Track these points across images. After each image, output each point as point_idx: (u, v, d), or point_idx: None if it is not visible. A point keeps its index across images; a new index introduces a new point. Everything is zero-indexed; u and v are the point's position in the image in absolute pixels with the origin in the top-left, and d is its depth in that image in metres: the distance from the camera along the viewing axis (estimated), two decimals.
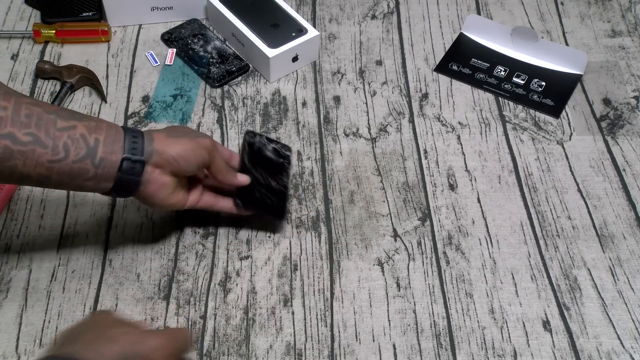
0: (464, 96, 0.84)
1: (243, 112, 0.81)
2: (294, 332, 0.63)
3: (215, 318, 0.63)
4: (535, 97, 0.83)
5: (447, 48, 0.89)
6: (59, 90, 0.81)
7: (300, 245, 0.69)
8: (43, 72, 0.83)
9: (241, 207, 0.66)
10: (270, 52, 0.81)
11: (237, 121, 0.80)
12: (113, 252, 0.68)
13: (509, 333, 0.63)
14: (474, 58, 0.88)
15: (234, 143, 0.77)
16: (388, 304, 0.65)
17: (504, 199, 0.73)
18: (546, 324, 0.64)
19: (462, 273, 0.67)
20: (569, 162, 0.77)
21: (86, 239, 0.69)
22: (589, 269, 0.68)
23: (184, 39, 0.88)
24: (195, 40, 0.88)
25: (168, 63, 0.86)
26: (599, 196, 0.74)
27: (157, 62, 0.86)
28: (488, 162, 0.77)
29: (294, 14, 0.86)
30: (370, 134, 0.79)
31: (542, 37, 0.90)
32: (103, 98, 0.81)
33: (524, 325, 0.63)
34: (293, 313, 0.64)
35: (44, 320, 0.63)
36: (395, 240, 0.69)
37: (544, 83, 0.85)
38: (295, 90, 0.83)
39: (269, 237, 0.69)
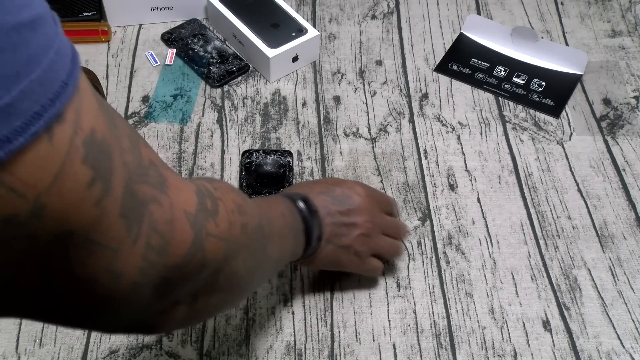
0: (464, 96, 0.84)
1: (243, 112, 0.81)
2: (294, 332, 0.63)
3: (215, 318, 0.63)
4: (535, 97, 0.83)
5: (447, 48, 0.89)
6: None
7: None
8: None
9: None
10: (270, 52, 0.81)
11: (237, 121, 0.80)
12: None
13: (509, 333, 0.63)
14: (474, 58, 0.88)
15: (234, 143, 0.77)
16: (388, 304, 0.65)
17: (504, 199, 0.73)
18: (546, 324, 0.64)
19: (462, 273, 0.67)
20: (569, 162, 0.77)
21: None
22: (589, 269, 0.68)
23: (184, 39, 0.88)
24: (195, 40, 0.88)
25: (168, 63, 0.86)
26: (599, 196, 0.74)
27: (157, 62, 0.86)
28: (488, 162, 0.77)
29: (294, 14, 0.86)
30: (370, 134, 0.79)
31: (542, 37, 0.90)
32: (103, 98, 0.81)
33: (524, 325, 0.63)
34: (293, 313, 0.64)
35: None
36: None
37: (544, 83, 0.85)
38: (295, 90, 0.83)
39: None
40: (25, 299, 0.29)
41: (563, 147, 0.78)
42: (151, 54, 0.87)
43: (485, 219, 0.71)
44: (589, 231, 0.71)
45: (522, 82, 0.85)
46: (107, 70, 0.85)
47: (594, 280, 0.67)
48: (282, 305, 0.64)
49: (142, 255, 0.32)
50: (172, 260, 0.34)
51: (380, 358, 0.61)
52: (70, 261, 0.28)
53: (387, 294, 0.65)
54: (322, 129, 0.79)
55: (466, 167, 0.76)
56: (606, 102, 0.83)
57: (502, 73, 0.86)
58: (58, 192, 0.26)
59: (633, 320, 0.64)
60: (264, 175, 0.73)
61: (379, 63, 0.87)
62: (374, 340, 0.62)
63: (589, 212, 0.72)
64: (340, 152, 0.77)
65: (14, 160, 0.24)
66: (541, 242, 0.70)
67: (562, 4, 0.96)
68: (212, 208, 0.38)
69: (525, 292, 0.66)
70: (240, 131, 0.79)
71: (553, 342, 0.62)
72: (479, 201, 0.73)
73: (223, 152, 0.77)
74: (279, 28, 0.84)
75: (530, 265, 0.68)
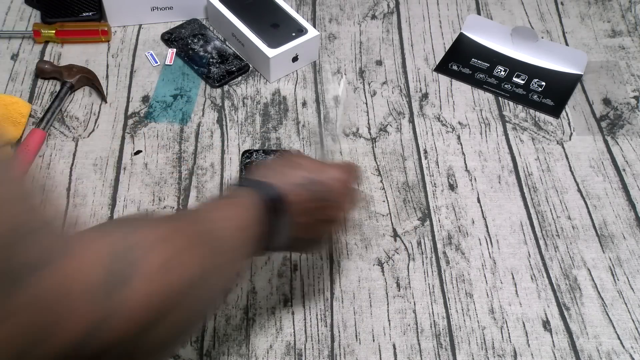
0: (464, 96, 0.84)
1: (243, 112, 0.81)
2: (294, 332, 0.63)
3: (215, 318, 0.63)
4: (535, 97, 0.83)
5: (447, 48, 0.89)
6: (59, 90, 0.81)
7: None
8: (43, 72, 0.83)
9: None
10: (270, 52, 0.81)
11: (237, 121, 0.80)
12: None
13: (509, 333, 0.63)
14: (474, 58, 0.88)
15: (234, 143, 0.77)
16: (388, 304, 0.65)
17: (504, 199, 0.73)
18: (546, 324, 0.64)
19: (462, 273, 0.67)
20: (569, 162, 0.77)
21: None
22: (589, 269, 0.68)
23: (184, 39, 0.88)
24: (195, 40, 0.88)
25: (168, 63, 0.86)
26: (598, 196, 0.74)
27: (157, 62, 0.86)
28: (488, 162, 0.77)
29: (294, 14, 0.86)
30: (370, 134, 0.79)
31: (542, 37, 0.90)
32: (103, 98, 0.81)
33: (524, 325, 0.63)
34: (293, 313, 0.64)
35: None
36: (395, 240, 0.69)
37: (544, 83, 0.85)
38: (295, 90, 0.83)
39: None
40: None
41: (563, 147, 0.78)
42: (151, 54, 0.87)
43: (485, 219, 0.71)
44: (589, 231, 0.71)
45: (522, 82, 0.85)
46: (107, 70, 0.85)
47: (594, 280, 0.67)
48: (282, 305, 0.64)
49: (13, 338, 0.24)
50: (60, 345, 0.26)
51: (380, 358, 0.61)
52: None
53: (387, 294, 0.65)
54: (322, 129, 0.79)
55: (466, 167, 0.76)
56: (606, 102, 0.83)
57: (502, 73, 0.86)
58: None
59: (633, 320, 0.64)
60: None
61: (379, 63, 0.87)
62: (374, 340, 0.62)
63: (589, 212, 0.72)
64: (341, 152, 0.77)
65: None
66: (541, 242, 0.70)
67: (562, 4, 0.96)
68: (125, 275, 0.32)
69: (525, 292, 0.66)
70: (240, 131, 0.79)
71: (553, 342, 0.62)
72: (479, 201, 0.73)
73: (223, 152, 0.77)
74: (279, 28, 0.84)
75: (530, 265, 0.68)
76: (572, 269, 0.68)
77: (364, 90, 0.84)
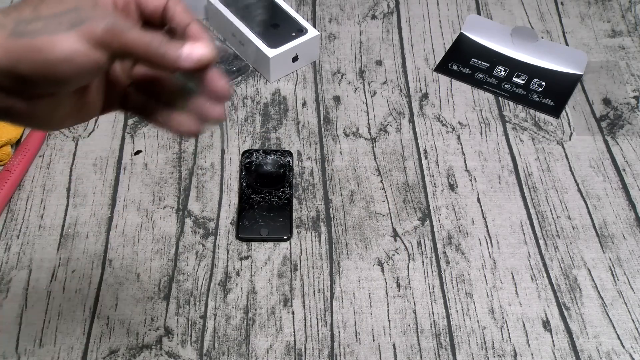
0: (464, 96, 0.84)
1: (243, 112, 0.81)
2: (294, 332, 0.63)
3: (215, 318, 0.63)
4: (535, 97, 0.83)
5: (447, 48, 0.89)
6: None
7: (300, 245, 0.69)
8: None
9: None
10: (270, 52, 0.81)
11: (237, 121, 0.80)
12: (113, 252, 0.68)
13: (509, 333, 0.63)
14: (474, 58, 0.88)
15: (234, 143, 0.77)
16: (388, 304, 0.65)
17: (504, 199, 0.73)
18: (546, 324, 0.64)
19: (462, 273, 0.67)
20: (569, 162, 0.77)
21: (86, 239, 0.69)
22: (589, 269, 0.68)
23: None
24: None
25: None
26: (598, 196, 0.74)
27: None
28: (488, 162, 0.77)
29: (294, 14, 0.86)
30: (370, 134, 0.79)
31: (542, 37, 0.90)
32: None
33: (524, 325, 0.63)
34: (293, 313, 0.64)
35: (44, 320, 0.63)
36: (395, 240, 0.69)
37: (544, 83, 0.85)
38: (295, 90, 0.83)
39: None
40: None
41: (563, 147, 0.78)
42: None
43: (485, 219, 0.71)
44: (589, 231, 0.71)
45: (522, 82, 0.85)
46: None
47: (594, 280, 0.67)
48: (282, 305, 0.64)
49: None
50: None
51: (380, 358, 0.61)
52: None
53: (387, 294, 0.65)
54: (322, 129, 0.79)
55: (466, 167, 0.76)
56: (606, 102, 0.83)
57: (502, 73, 0.86)
58: None
59: (633, 320, 0.64)
60: (264, 175, 0.73)
61: (379, 63, 0.87)
62: (374, 340, 0.62)
63: (589, 212, 0.72)
64: (340, 152, 0.77)
65: None
66: (541, 242, 0.70)
67: (562, 4, 0.96)
68: None
69: (525, 292, 0.66)
70: (240, 131, 0.79)
71: (553, 342, 0.62)
72: (478, 201, 0.73)
73: (223, 152, 0.77)
74: (279, 28, 0.84)
75: (530, 265, 0.68)
76: (572, 269, 0.68)
77: (364, 90, 0.84)
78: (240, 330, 0.63)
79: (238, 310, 0.64)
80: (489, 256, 0.68)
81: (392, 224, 0.71)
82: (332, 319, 0.64)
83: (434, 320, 0.64)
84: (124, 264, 0.67)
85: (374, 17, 0.93)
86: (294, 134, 0.79)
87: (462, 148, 0.78)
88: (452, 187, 0.74)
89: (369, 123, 0.80)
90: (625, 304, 0.65)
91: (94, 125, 0.79)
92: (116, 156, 0.76)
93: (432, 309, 0.64)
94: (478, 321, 0.64)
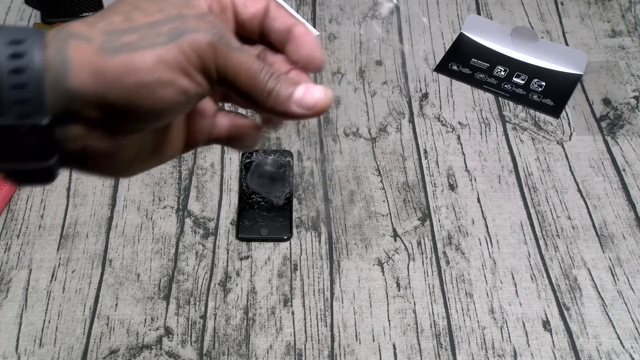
0: (464, 96, 0.84)
1: (243, 112, 0.81)
2: (294, 332, 0.63)
3: (215, 318, 0.63)
4: (535, 97, 0.83)
5: (447, 48, 0.89)
6: None
7: (300, 245, 0.69)
8: None
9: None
10: None
11: None
12: (113, 252, 0.68)
13: (509, 333, 0.63)
14: (474, 58, 0.88)
15: None
16: (388, 304, 0.65)
17: (504, 199, 0.73)
18: (546, 324, 0.64)
19: (462, 273, 0.67)
20: (569, 162, 0.77)
21: (86, 239, 0.69)
22: (589, 269, 0.68)
23: None
24: None
25: None
26: (598, 196, 0.74)
27: None
28: (488, 162, 0.77)
29: (294, 13, 0.86)
30: (370, 134, 0.79)
31: (542, 37, 0.90)
32: None
33: (524, 325, 0.63)
34: (293, 313, 0.64)
35: (44, 320, 0.63)
36: (395, 240, 0.69)
37: (544, 83, 0.85)
38: None
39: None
40: None
41: (563, 147, 0.78)
42: None
43: (485, 219, 0.71)
44: (589, 231, 0.71)
45: (522, 82, 0.85)
46: None
47: (593, 280, 0.67)
48: (282, 305, 0.64)
49: None
50: None
51: (380, 358, 0.61)
52: None
53: (387, 294, 0.65)
54: (322, 129, 0.79)
55: (466, 167, 0.76)
56: (606, 102, 0.83)
57: (502, 73, 0.86)
58: None
59: (633, 320, 0.64)
60: (264, 175, 0.73)
61: (379, 63, 0.87)
62: (374, 340, 0.62)
63: (588, 212, 0.72)
64: (340, 152, 0.77)
65: None
66: (541, 242, 0.70)
67: (562, 4, 0.96)
68: None
69: (525, 292, 0.66)
70: None
71: (553, 342, 0.62)
72: (478, 201, 0.73)
73: (223, 152, 0.77)
74: None
75: (530, 265, 0.68)
76: (572, 269, 0.68)
77: (364, 90, 0.84)
78: (240, 330, 0.63)
79: (238, 310, 0.64)
80: (489, 256, 0.68)
81: (392, 224, 0.71)
82: (332, 319, 0.64)
83: (434, 320, 0.64)
84: (124, 264, 0.67)
85: (374, 17, 0.93)
86: (294, 134, 0.79)
87: (462, 148, 0.78)
88: (452, 187, 0.74)
89: (369, 123, 0.80)
90: (625, 304, 0.65)
91: None
92: None
93: (432, 309, 0.64)
94: (478, 321, 0.64)
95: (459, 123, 0.80)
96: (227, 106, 0.41)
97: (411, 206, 0.72)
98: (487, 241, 0.70)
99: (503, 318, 0.64)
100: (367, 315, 0.64)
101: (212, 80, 0.29)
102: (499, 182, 0.75)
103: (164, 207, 0.71)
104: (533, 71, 0.86)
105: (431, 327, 0.63)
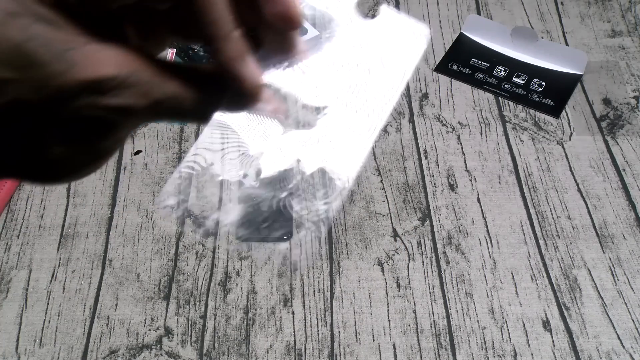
0: (464, 96, 0.84)
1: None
2: (294, 332, 0.63)
3: (215, 318, 0.63)
4: (535, 97, 0.83)
5: (447, 48, 0.89)
6: None
7: (300, 245, 0.69)
8: None
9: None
10: None
11: None
12: (113, 252, 0.68)
13: (509, 333, 0.63)
14: (474, 58, 0.88)
15: None
16: (388, 304, 0.65)
17: (504, 199, 0.73)
18: (546, 324, 0.64)
19: (462, 273, 0.67)
20: (569, 162, 0.77)
21: (86, 239, 0.69)
22: (589, 269, 0.68)
23: None
24: None
25: None
26: (598, 196, 0.74)
27: None
28: (488, 162, 0.77)
29: None
30: None
31: (542, 37, 0.90)
32: None
33: (524, 325, 0.63)
34: (293, 313, 0.64)
35: (44, 320, 0.63)
36: (395, 240, 0.69)
37: (544, 83, 0.85)
38: None
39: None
40: None
41: (563, 147, 0.78)
42: None
43: (485, 219, 0.71)
44: (589, 231, 0.71)
45: (522, 82, 0.85)
46: None
47: (593, 280, 0.67)
48: (282, 305, 0.64)
49: None
50: None
51: (380, 358, 0.61)
52: None
53: (387, 294, 0.65)
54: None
55: (466, 167, 0.76)
56: (606, 102, 0.83)
57: (502, 73, 0.86)
58: None
59: (633, 320, 0.64)
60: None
61: None
62: (374, 340, 0.62)
63: (589, 212, 0.72)
64: None
65: None
66: (541, 242, 0.70)
67: (562, 4, 0.96)
68: None
69: (525, 292, 0.66)
70: None
71: (553, 342, 0.62)
72: (479, 201, 0.73)
73: None
74: None
75: (530, 265, 0.68)
76: (572, 269, 0.68)
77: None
78: (240, 330, 0.63)
79: (238, 310, 0.64)
80: (489, 256, 0.68)
81: (392, 224, 0.71)
82: (332, 319, 0.64)
83: (434, 320, 0.64)
84: (124, 264, 0.67)
85: (374, 17, 0.93)
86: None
87: (462, 148, 0.78)
88: (452, 187, 0.74)
89: None
90: (625, 304, 0.65)
91: None
92: (116, 156, 0.76)
93: (432, 309, 0.64)
94: (478, 321, 0.64)
95: (459, 123, 0.80)
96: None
97: (411, 206, 0.72)
98: (487, 241, 0.70)
99: (503, 318, 0.64)
100: (367, 315, 0.64)
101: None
102: (499, 182, 0.75)
103: (164, 207, 0.71)
104: (533, 71, 0.86)
105: (431, 327, 0.63)
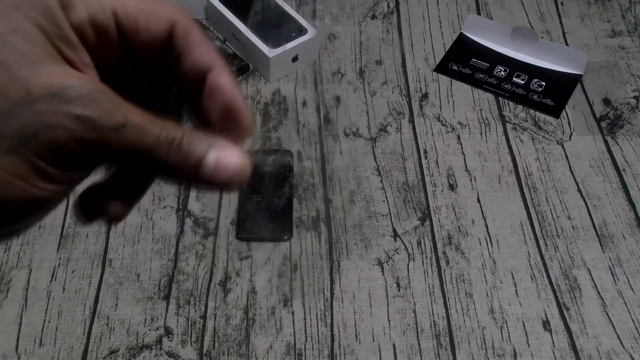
0: (464, 96, 0.84)
1: None
2: (294, 332, 0.63)
3: (215, 318, 0.63)
4: (535, 97, 0.83)
5: (447, 48, 0.89)
6: None
7: (300, 245, 0.69)
8: None
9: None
10: (270, 52, 0.81)
11: None
12: (113, 252, 0.68)
13: (508, 333, 0.63)
14: (474, 58, 0.88)
15: None
16: (388, 304, 0.65)
17: (504, 199, 0.73)
18: (546, 324, 0.64)
19: (462, 273, 0.67)
20: (569, 162, 0.77)
21: (86, 239, 0.69)
22: (588, 269, 0.68)
23: None
24: None
25: None
26: (598, 196, 0.74)
27: None
28: (488, 162, 0.77)
29: (294, 14, 0.86)
30: (370, 134, 0.79)
31: (542, 37, 0.90)
32: None
33: (524, 325, 0.63)
34: (293, 313, 0.64)
35: (44, 320, 0.63)
36: (395, 240, 0.69)
37: (544, 83, 0.85)
38: (295, 90, 0.83)
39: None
40: None
41: (563, 147, 0.78)
42: None
43: (485, 219, 0.71)
44: (589, 231, 0.71)
45: (522, 82, 0.85)
46: None
47: (593, 280, 0.67)
48: (282, 305, 0.64)
49: None
50: None
51: (380, 358, 0.61)
52: None
53: (387, 294, 0.65)
54: (322, 129, 0.79)
55: (466, 167, 0.76)
56: (606, 102, 0.83)
57: (502, 73, 0.86)
58: None
59: (633, 320, 0.64)
60: (264, 175, 0.73)
61: (379, 63, 0.87)
62: (373, 340, 0.62)
63: (588, 212, 0.72)
64: (340, 152, 0.77)
65: None
66: (541, 242, 0.70)
67: (562, 4, 0.96)
68: None
69: (525, 292, 0.66)
70: None
71: (553, 342, 0.62)
72: (478, 201, 0.73)
73: None
74: (279, 28, 0.84)
75: (530, 265, 0.68)
76: (572, 269, 0.68)
77: (364, 90, 0.84)
78: (240, 330, 0.63)
79: (238, 310, 0.64)
80: (489, 256, 0.68)
81: (392, 224, 0.71)
82: (332, 319, 0.64)
83: (434, 320, 0.64)
84: (124, 264, 0.67)
85: (374, 17, 0.93)
86: (294, 134, 0.79)
87: (462, 148, 0.78)
88: (452, 187, 0.74)
89: (368, 123, 0.80)
90: (625, 304, 0.65)
91: None
92: None
93: (432, 309, 0.64)
94: (478, 321, 0.64)
95: (459, 123, 0.80)
96: None
97: (411, 206, 0.72)
98: (487, 241, 0.70)
99: (503, 318, 0.64)
100: (367, 315, 0.64)
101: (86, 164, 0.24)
102: (499, 182, 0.75)
103: (164, 207, 0.71)
104: (533, 71, 0.86)
105: (431, 327, 0.63)
